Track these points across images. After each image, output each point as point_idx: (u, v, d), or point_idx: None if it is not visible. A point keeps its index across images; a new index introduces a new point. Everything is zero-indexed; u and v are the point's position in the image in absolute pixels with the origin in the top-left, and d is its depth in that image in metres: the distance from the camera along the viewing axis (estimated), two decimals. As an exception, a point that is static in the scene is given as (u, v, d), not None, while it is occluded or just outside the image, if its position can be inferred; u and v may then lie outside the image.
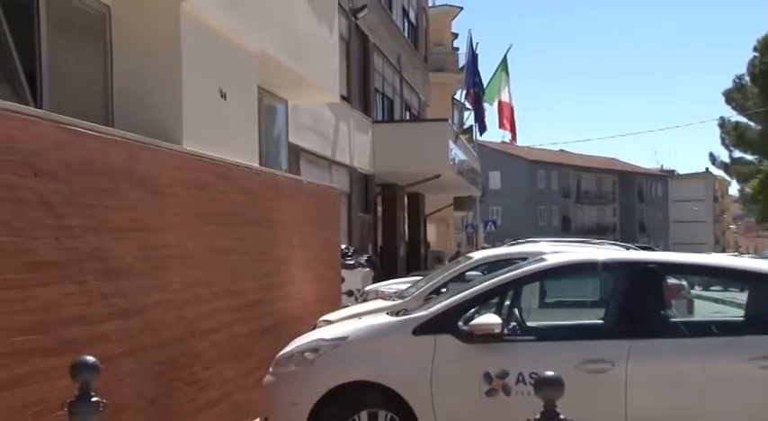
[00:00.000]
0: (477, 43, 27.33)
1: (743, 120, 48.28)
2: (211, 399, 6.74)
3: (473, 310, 5.82)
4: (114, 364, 5.20)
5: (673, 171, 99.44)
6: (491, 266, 9.02)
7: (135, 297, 5.58)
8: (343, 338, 5.94)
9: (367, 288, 12.96)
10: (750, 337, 5.60)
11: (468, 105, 28.73)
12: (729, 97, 49.11)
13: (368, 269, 13.85)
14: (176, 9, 7.40)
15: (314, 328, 7.92)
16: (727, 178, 65.52)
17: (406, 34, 28.42)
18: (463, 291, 6.07)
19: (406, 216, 27.04)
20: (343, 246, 13.14)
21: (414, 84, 29.61)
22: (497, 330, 5.50)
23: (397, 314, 6.36)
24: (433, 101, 34.21)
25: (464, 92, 27.32)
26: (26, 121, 4.53)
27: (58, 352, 4.63)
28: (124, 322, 5.42)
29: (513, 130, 29.06)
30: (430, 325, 5.70)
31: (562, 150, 78.85)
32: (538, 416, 3.74)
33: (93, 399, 3.92)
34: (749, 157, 49.43)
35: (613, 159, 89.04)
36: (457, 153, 24.66)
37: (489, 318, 5.60)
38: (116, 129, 5.97)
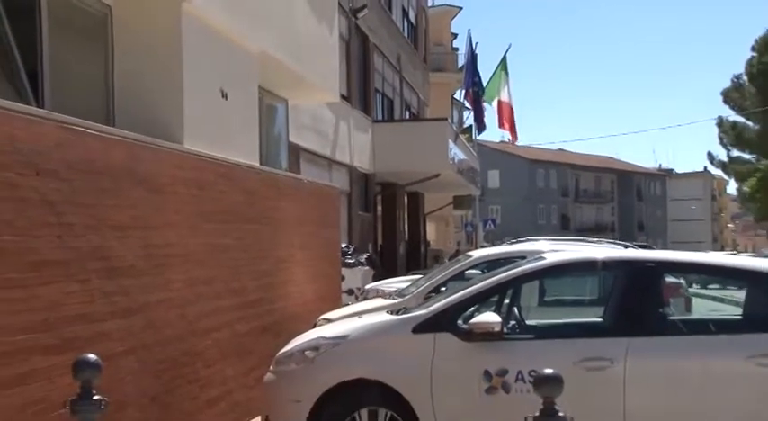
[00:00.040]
0: (477, 43, 27.41)
1: (741, 119, 48.33)
2: (212, 397, 6.76)
3: (472, 309, 5.83)
4: (116, 363, 5.22)
5: (671, 170, 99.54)
6: (490, 265, 9.04)
7: (136, 295, 5.61)
8: (344, 337, 5.95)
9: (367, 286, 12.99)
10: (748, 335, 5.61)
11: (467, 105, 28.71)
12: (727, 97, 49.14)
13: (368, 268, 13.87)
14: (177, 9, 7.42)
15: (314, 327, 7.93)
16: (725, 177, 65.57)
17: (405, 34, 28.44)
18: (462, 289, 6.07)
19: (405, 215, 27.07)
20: (344, 245, 13.17)
21: (413, 83, 29.63)
22: (497, 328, 5.50)
23: (396, 312, 6.36)
24: (432, 100, 34.24)
25: (463, 91, 27.30)
26: (28, 121, 4.55)
27: (59, 350, 4.65)
28: (125, 320, 5.45)
29: (513, 130, 29.05)
30: (429, 323, 5.71)
31: (561, 149, 78.87)
32: (537, 414, 3.76)
33: (95, 397, 3.93)
34: (747, 156, 49.45)
35: (612, 158, 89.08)
36: (456, 152, 24.68)
37: (489, 317, 5.59)
38: (117, 129, 5.99)
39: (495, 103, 27.34)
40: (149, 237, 5.84)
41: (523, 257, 7.66)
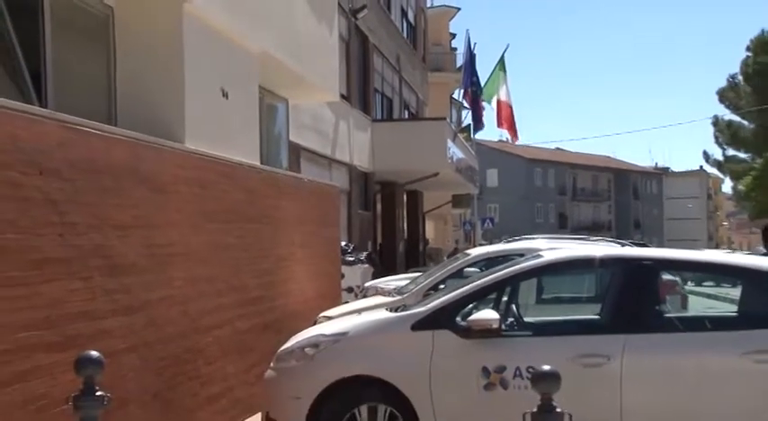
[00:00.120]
0: (475, 43, 27.33)
1: (736, 118, 48.52)
2: (213, 394, 6.80)
3: (471, 306, 5.85)
4: (118, 359, 5.25)
5: (667, 169, 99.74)
6: (489, 263, 9.05)
7: (138, 293, 5.64)
8: (343, 334, 5.98)
9: (366, 284, 13.01)
10: (744, 332, 5.64)
11: (465, 104, 28.71)
12: (723, 96, 49.32)
13: (367, 266, 13.90)
14: (178, 10, 7.45)
15: (314, 324, 7.94)
16: (721, 176, 65.65)
17: (404, 34, 28.46)
18: (461, 287, 6.10)
19: (404, 213, 27.09)
20: (343, 243, 13.20)
21: (412, 83, 29.66)
22: (495, 325, 5.53)
23: (396, 310, 6.40)
24: (431, 100, 34.27)
25: (462, 91, 27.29)
26: (31, 121, 4.58)
27: (61, 347, 4.68)
28: (127, 318, 5.48)
29: (513, 129, 29.04)
30: (428, 320, 5.74)
31: (558, 148, 79.00)
32: (535, 410, 3.79)
33: (98, 394, 3.95)
34: (742, 155, 49.56)
35: (609, 157, 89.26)
36: (455, 151, 24.71)
37: (487, 314, 5.62)
38: (120, 129, 6.03)
39: (494, 102, 27.34)
40: (151, 236, 5.87)
41: (521, 255, 7.66)
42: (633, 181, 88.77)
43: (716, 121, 49.51)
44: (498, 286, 6.04)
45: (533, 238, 11.76)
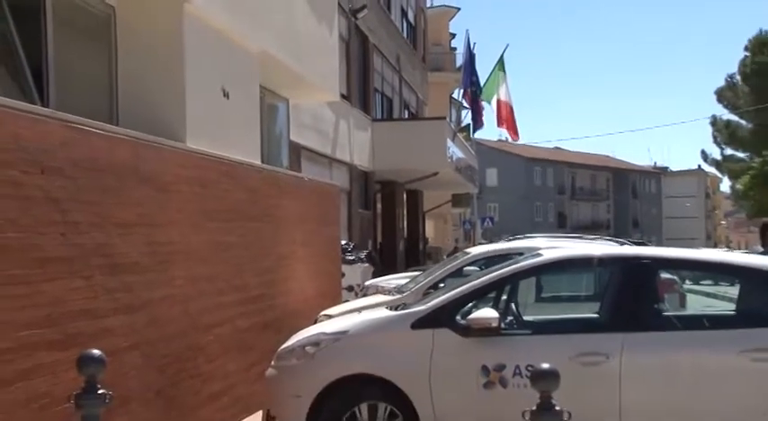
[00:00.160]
0: (475, 43, 27.33)
1: (734, 118, 48.68)
2: (215, 392, 6.82)
3: (470, 305, 5.87)
4: (120, 358, 5.27)
5: (666, 168, 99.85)
6: (488, 261, 9.03)
7: (140, 292, 5.66)
8: (344, 332, 6.01)
9: (367, 283, 13.03)
10: (741, 330, 5.67)
11: (465, 104, 28.72)
12: (721, 96, 49.47)
13: (367, 264, 13.90)
14: (179, 10, 7.47)
15: (315, 323, 7.97)
16: (719, 175, 65.82)
17: (404, 34, 28.48)
18: (461, 286, 6.12)
19: (404, 212, 27.13)
20: (344, 242, 13.21)
21: (412, 83, 29.68)
22: (494, 324, 5.55)
23: (396, 308, 6.42)
24: (431, 99, 34.30)
25: (461, 91, 27.30)
26: (33, 120, 4.59)
27: (63, 346, 4.69)
28: (129, 316, 5.49)
29: (514, 128, 29.05)
30: (428, 319, 5.76)
31: (558, 148, 79.06)
32: (534, 408, 3.82)
33: (100, 392, 3.99)
34: (740, 155, 49.70)
35: (608, 157, 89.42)
36: (455, 151, 24.73)
37: (486, 313, 5.64)
38: (122, 128, 6.04)
39: (494, 102, 27.36)
40: (153, 235, 5.89)
41: (520, 254, 7.64)
42: (632, 180, 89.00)
43: (714, 121, 49.66)
44: (498, 285, 6.06)
45: (533, 237, 11.77)
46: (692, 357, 5.53)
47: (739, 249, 50.54)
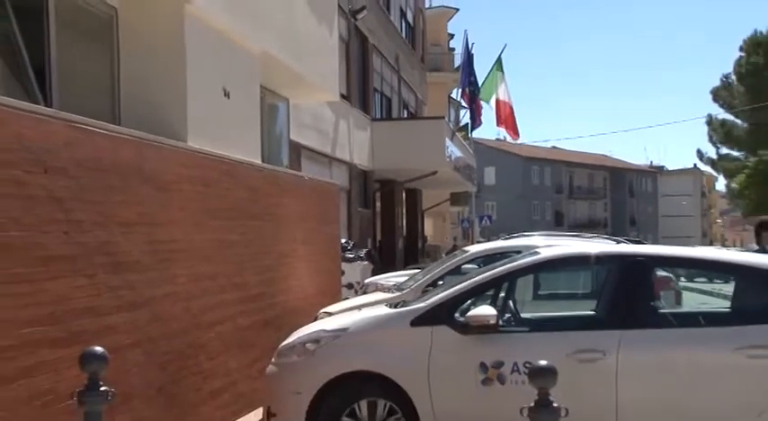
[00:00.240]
0: (473, 43, 27.32)
1: (730, 117, 48.84)
2: (216, 389, 6.86)
3: (469, 302, 5.91)
4: (122, 355, 5.30)
5: (662, 167, 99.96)
6: (486, 259, 9.03)
7: (142, 290, 5.69)
8: (344, 329, 6.04)
9: (366, 281, 13.04)
10: (737, 327, 5.70)
11: (463, 104, 28.74)
12: (717, 95, 49.64)
13: (367, 262, 13.92)
14: (180, 11, 7.51)
15: (315, 320, 8.01)
16: (715, 174, 65.99)
17: (403, 35, 28.50)
18: (459, 283, 6.14)
19: (404, 211, 27.18)
20: (343, 241, 13.24)
21: (411, 83, 29.70)
22: (493, 321, 5.58)
23: (395, 306, 6.44)
24: (429, 99, 34.33)
25: (460, 91, 27.33)
26: (37, 120, 4.62)
27: (66, 343, 4.72)
28: (132, 314, 5.52)
29: (514, 128, 29.07)
30: (427, 316, 5.79)
31: (555, 147, 79.11)
32: (532, 405, 3.85)
33: (102, 389, 4.02)
34: (736, 154, 49.82)
35: (605, 156, 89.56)
36: (453, 150, 24.76)
37: (485, 310, 5.67)
38: (125, 128, 6.06)
39: (492, 102, 27.38)
40: (155, 234, 5.92)
41: (518, 252, 7.68)
42: (629, 179, 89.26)
43: (710, 120, 49.80)
44: (496, 283, 6.10)
45: (530, 236, 11.82)
46: (688, 354, 5.56)
47: (734, 247, 50.64)
